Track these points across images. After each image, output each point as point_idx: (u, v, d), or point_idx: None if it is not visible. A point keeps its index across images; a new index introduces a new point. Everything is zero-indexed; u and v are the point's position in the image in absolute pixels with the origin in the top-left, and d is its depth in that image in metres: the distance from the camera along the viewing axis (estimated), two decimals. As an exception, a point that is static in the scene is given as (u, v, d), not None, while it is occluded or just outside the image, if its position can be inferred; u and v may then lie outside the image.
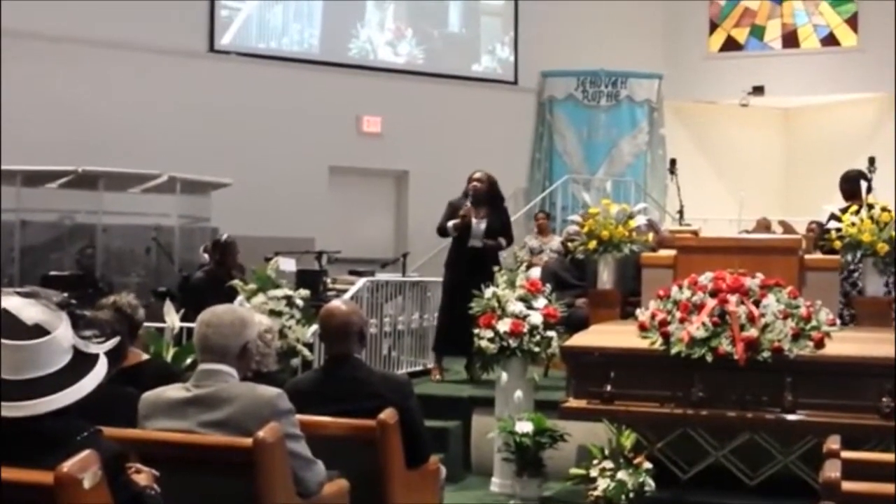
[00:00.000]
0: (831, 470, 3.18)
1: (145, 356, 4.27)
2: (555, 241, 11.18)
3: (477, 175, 7.81)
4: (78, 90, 11.05)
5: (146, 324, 4.82)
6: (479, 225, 7.70)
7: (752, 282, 5.75)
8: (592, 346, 5.86)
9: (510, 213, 12.67)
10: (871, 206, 6.50)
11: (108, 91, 11.22)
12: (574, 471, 5.93)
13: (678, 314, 5.69)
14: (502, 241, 7.84)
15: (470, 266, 7.54)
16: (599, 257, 7.25)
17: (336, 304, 4.33)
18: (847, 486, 3.03)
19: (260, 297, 6.42)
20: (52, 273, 9.34)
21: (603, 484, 5.68)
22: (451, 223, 7.68)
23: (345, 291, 7.75)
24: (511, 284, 6.58)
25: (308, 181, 12.23)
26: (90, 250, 10.04)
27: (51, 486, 2.36)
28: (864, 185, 6.87)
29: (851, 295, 6.93)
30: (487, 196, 7.76)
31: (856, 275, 6.97)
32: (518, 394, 6.41)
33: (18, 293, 2.73)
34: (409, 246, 11.16)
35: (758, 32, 14.90)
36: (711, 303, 5.64)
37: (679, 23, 14.71)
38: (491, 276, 6.67)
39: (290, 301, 6.44)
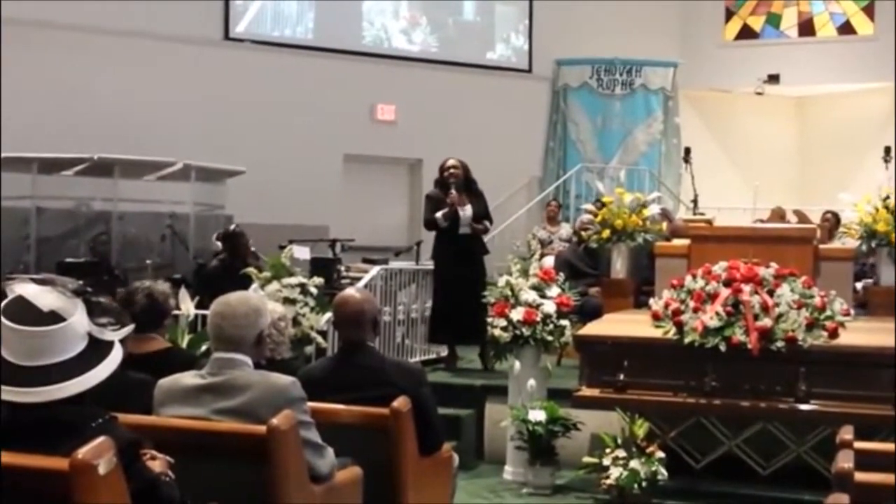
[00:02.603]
0: (844, 460, 3.17)
1: (168, 344, 4.27)
2: (564, 230, 11.16)
3: (451, 162, 7.78)
4: (93, 78, 11.07)
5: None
6: (466, 211, 7.69)
7: (767, 271, 5.74)
8: (606, 336, 5.87)
9: (524, 202, 12.78)
10: (887, 197, 6.47)
11: (123, 79, 11.24)
12: (587, 459, 5.95)
13: (692, 303, 5.69)
14: (487, 223, 7.85)
15: (462, 254, 7.58)
16: (613, 246, 7.25)
17: (350, 292, 4.33)
18: (860, 476, 3.02)
19: (274, 285, 6.44)
20: (68, 260, 9.37)
21: (615, 472, 5.69)
22: (439, 214, 7.64)
23: (359, 279, 7.77)
24: (524, 273, 6.58)
25: (322, 169, 12.24)
26: (105, 237, 10.07)
27: (66, 473, 2.37)
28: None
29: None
30: (464, 182, 7.76)
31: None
32: (531, 382, 6.42)
33: (34, 280, 2.75)
34: (423, 234, 11.14)
35: (774, 20, 14.80)
36: (725, 292, 5.63)
37: (694, 11, 14.62)
38: (482, 261, 6.67)
39: (304, 289, 6.46)
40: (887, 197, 6.44)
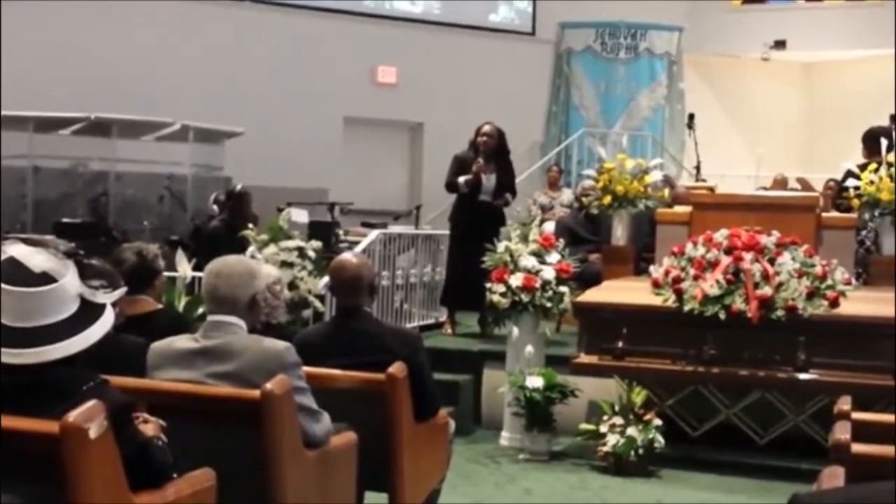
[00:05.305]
0: (841, 431, 3.15)
1: (158, 305, 4.25)
2: (565, 196, 11.11)
3: (486, 129, 7.66)
4: (92, 36, 10.97)
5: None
6: (490, 180, 7.61)
7: (768, 239, 5.71)
8: (605, 303, 5.85)
9: (525, 167, 12.70)
10: (890, 165, 6.41)
11: (121, 38, 11.14)
12: (584, 426, 5.95)
13: (692, 271, 5.66)
14: (509, 197, 7.76)
15: (478, 220, 7.47)
16: (614, 213, 7.20)
17: (346, 256, 4.30)
18: (857, 448, 2.99)
19: (272, 248, 6.40)
20: (65, 220, 9.33)
21: (612, 439, 5.70)
22: (462, 179, 7.57)
23: (357, 243, 7.72)
24: (524, 239, 6.54)
25: (322, 132, 12.16)
26: (104, 198, 10.02)
27: (56, 436, 2.35)
28: (884, 142, 6.76)
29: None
30: (496, 150, 7.66)
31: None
32: (529, 349, 6.40)
33: (24, 241, 2.72)
34: (423, 198, 11.10)
35: (781, -15, 14.65)
36: (726, 260, 5.60)
37: (701, -26, 14.46)
38: (498, 231, 6.61)
39: (302, 252, 6.41)
40: (891, 165, 6.37)
